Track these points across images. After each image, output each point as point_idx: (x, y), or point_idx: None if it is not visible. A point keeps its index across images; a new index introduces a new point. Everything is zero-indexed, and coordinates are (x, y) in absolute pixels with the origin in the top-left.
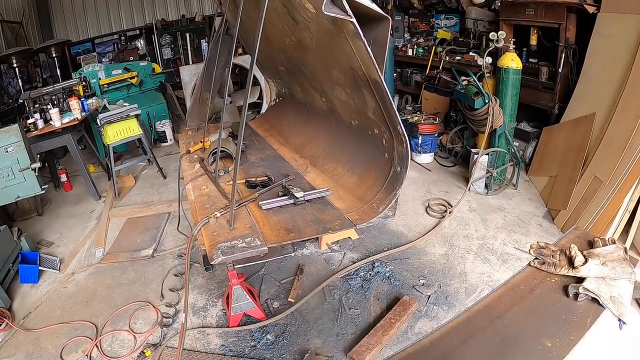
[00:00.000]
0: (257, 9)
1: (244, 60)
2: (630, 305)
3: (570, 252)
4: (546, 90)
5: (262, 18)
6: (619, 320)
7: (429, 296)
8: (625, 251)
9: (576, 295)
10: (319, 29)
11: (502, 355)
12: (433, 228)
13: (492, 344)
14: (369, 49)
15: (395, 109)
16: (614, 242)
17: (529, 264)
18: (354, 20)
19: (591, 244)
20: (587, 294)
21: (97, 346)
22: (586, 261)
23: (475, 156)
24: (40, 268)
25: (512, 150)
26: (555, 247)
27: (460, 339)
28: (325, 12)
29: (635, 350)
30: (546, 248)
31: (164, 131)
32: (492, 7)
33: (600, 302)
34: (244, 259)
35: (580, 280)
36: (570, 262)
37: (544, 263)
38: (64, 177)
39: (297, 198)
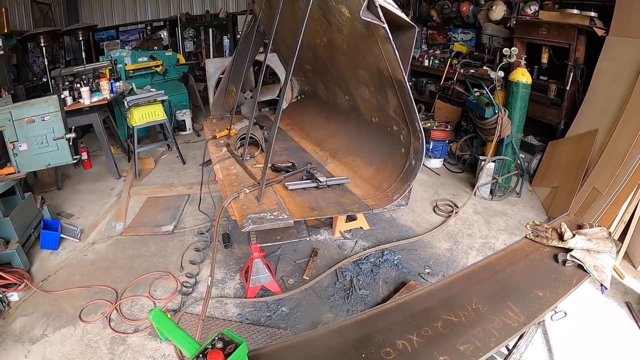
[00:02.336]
0: (293, 11)
1: (269, 59)
2: (610, 275)
3: (560, 229)
4: (554, 106)
5: (304, 21)
6: (601, 285)
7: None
8: (610, 234)
9: (564, 262)
10: (351, 32)
11: (502, 298)
12: (439, 225)
13: (494, 290)
14: (396, 53)
15: (415, 108)
16: (600, 226)
17: (525, 237)
18: (385, 26)
19: (580, 227)
20: (573, 261)
21: (116, 309)
22: (574, 236)
23: (483, 162)
24: (61, 235)
25: (518, 161)
26: (548, 225)
27: (467, 284)
28: (362, 17)
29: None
30: (540, 225)
31: (184, 120)
32: (508, 25)
33: (585, 269)
34: (263, 239)
35: (569, 251)
36: (560, 237)
37: (537, 236)
38: (84, 155)
39: (320, 182)
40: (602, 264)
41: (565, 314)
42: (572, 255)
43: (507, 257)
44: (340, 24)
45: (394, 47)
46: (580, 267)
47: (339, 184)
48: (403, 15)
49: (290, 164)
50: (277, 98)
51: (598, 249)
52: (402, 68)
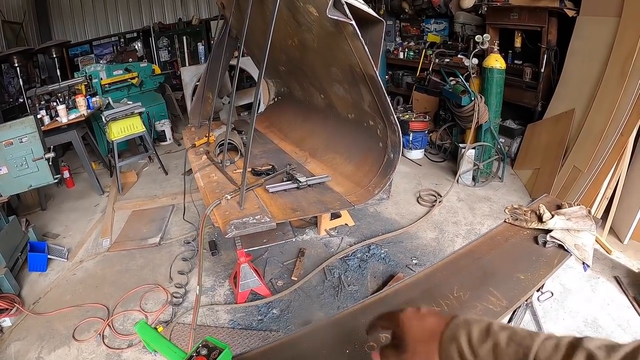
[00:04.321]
0: (262, 13)
1: (243, 62)
2: (592, 253)
3: (539, 211)
4: (530, 89)
5: (271, 24)
6: (583, 263)
7: None
8: (589, 212)
9: (545, 243)
10: (321, 31)
11: (483, 284)
12: (424, 216)
13: (475, 277)
14: (366, 48)
15: (389, 101)
16: (579, 205)
17: (504, 221)
18: (353, 23)
19: (559, 207)
20: (554, 242)
21: (109, 325)
22: (553, 217)
23: (463, 150)
24: (48, 256)
25: (498, 145)
26: (527, 208)
27: (447, 273)
28: (328, 16)
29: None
30: (519, 208)
31: (164, 130)
32: (479, 12)
33: (566, 248)
34: (249, 243)
35: (549, 232)
36: (540, 218)
37: (517, 219)
38: (66, 174)
39: (300, 182)
40: (582, 242)
41: (552, 293)
42: (551, 236)
43: (487, 243)
44: (309, 24)
45: (363, 43)
46: (561, 247)
47: (319, 183)
48: (370, 11)
49: (270, 166)
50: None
51: (578, 228)
52: (372, 63)
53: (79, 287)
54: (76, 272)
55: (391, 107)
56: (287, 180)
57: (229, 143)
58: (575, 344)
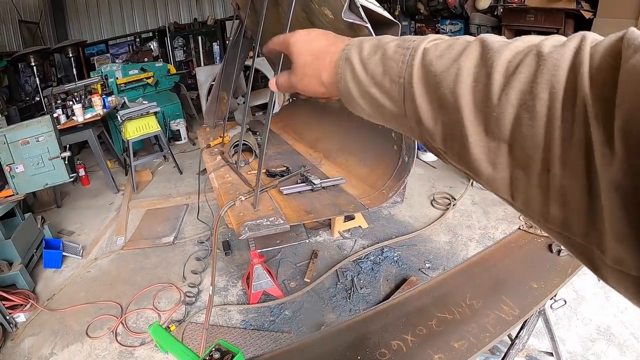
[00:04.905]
0: (277, 15)
1: (257, 63)
2: None
3: None
4: None
5: (287, 26)
6: None
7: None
8: None
9: (559, 252)
10: (336, 33)
11: (496, 292)
12: (438, 219)
13: (488, 285)
14: None
15: None
16: None
17: (519, 228)
18: (369, 25)
19: None
20: None
21: (122, 323)
22: None
23: None
24: (63, 253)
25: None
26: None
27: (460, 281)
28: (344, 19)
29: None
30: None
31: (179, 130)
32: (495, 13)
33: None
34: (262, 244)
35: None
36: None
37: (531, 226)
38: (82, 172)
39: (314, 184)
40: None
41: (565, 301)
42: None
43: (500, 251)
44: (324, 26)
45: None
46: None
47: (334, 185)
48: (385, 13)
49: (285, 168)
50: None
51: None
52: None
53: (93, 284)
54: (90, 269)
55: None
56: (302, 182)
57: (243, 144)
58: (473, 39)
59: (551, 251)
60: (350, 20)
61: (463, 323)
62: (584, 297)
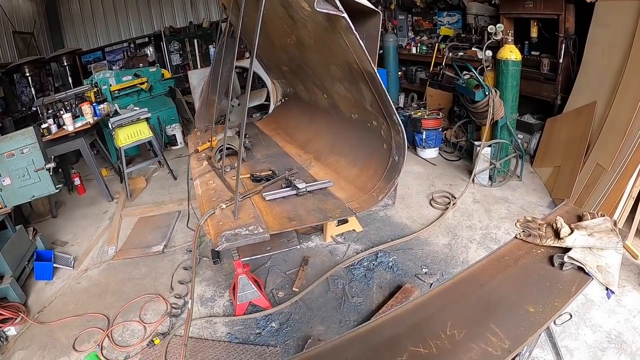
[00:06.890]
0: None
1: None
2: (617, 275)
3: (556, 225)
4: (548, 81)
5: (259, 18)
6: (607, 289)
7: (431, 284)
8: (615, 224)
9: (562, 265)
10: (315, 26)
11: (483, 319)
12: (436, 219)
13: (475, 309)
14: (361, 43)
15: (390, 100)
16: (603, 216)
17: (515, 237)
18: (345, 15)
19: (580, 219)
20: (572, 263)
21: (108, 336)
22: (572, 232)
23: (478, 148)
24: (54, 265)
25: (515, 142)
26: (542, 221)
27: (442, 304)
28: (317, 9)
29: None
30: (533, 222)
31: (174, 135)
32: (492, 2)
33: (587, 271)
34: (251, 251)
35: (567, 250)
36: (557, 234)
37: (529, 235)
38: (77, 181)
39: (299, 189)
40: (606, 263)
41: (571, 316)
42: (570, 257)
43: (493, 265)
44: (303, 20)
45: (358, 37)
46: (581, 269)
47: (321, 189)
48: (364, 1)
49: (271, 171)
50: (266, 103)
51: (601, 246)
52: (369, 59)
53: (83, 296)
54: (81, 280)
55: (393, 106)
56: (286, 187)
57: (229, 148)
58: None
59: (552, 264)
60: (325, 11)
61: (440, 359)
62: (593, 302)
